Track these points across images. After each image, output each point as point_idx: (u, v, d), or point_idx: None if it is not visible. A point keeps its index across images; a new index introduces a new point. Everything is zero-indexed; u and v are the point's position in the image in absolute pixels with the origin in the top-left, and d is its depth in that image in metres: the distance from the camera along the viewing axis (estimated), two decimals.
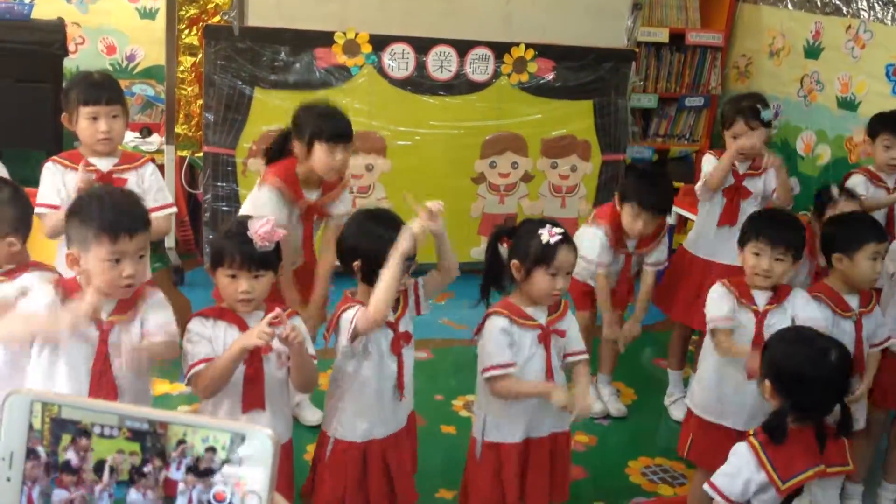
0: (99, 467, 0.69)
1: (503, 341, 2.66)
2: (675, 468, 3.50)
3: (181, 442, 0.69)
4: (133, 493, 0.68)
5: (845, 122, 5.12)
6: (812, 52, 5.39)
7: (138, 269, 2.24)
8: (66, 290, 2.25)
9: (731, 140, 3.69)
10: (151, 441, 0.69)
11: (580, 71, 5.13)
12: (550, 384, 2.64)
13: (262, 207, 3.09)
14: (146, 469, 0.68)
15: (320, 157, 3.13)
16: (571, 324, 2.81)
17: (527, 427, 2.73)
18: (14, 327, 2.21)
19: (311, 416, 3.49)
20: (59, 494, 0.68)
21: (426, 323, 4.58)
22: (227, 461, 0.68)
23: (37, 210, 2.90)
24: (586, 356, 2.85)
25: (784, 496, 2.37)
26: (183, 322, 2.44)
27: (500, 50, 4.97)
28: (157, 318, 2.31)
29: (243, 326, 2.40)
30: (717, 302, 3.04)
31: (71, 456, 0.69)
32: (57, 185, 2.91)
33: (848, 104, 5.09)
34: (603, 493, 3.32)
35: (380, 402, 2.59)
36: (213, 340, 2.38)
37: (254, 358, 2.38)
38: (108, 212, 2.20)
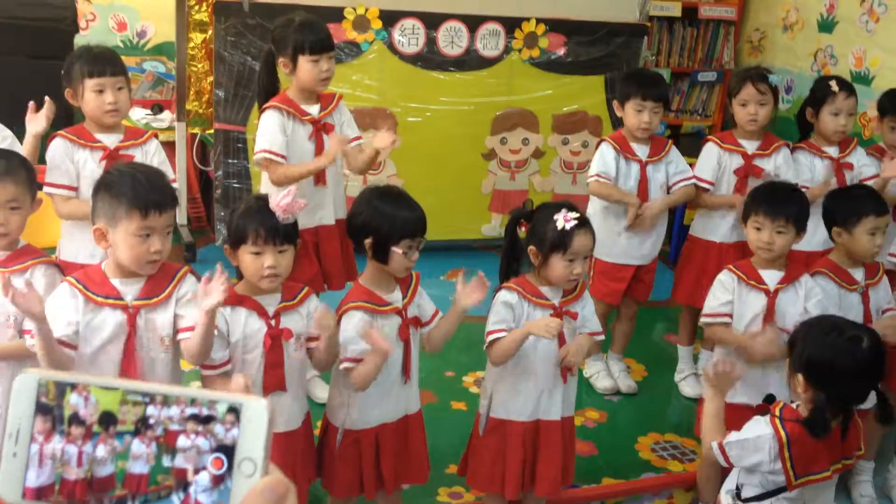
0: (104, 419, 0.70)
1: (498, 311, 2.66)
2: (686, 444, 3.51)
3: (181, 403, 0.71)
4: (136, 444, 0.70)
5: (859, 96, 5.07)
6: (826, 25, 5.33)
7: (165, 245, 2.26)
8: (88, 278, 2.27)
9: (739, 108, 3.68)
10: (154, 398, 0.71)
11: (592, 46, 5.10)
12: (533, 323, 2.60)
13: (269, 127, 3.12)
14: (150, 420, 0.70)
15: (306, 70, 3.14)
16: (587, 304, 2.80)
17: (536, 408, 2.73)
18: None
19: (322, 392, 3.51)
20: (68, 450, 0.70)
21: (438, 300, 4.57)
22: (224, 428, 0.69)
23: (47, 190, 2.91)
24: (601, 337, 2.85)
25: (792, 490, 2.38)
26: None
27: (510, 25, 4.94)
28: (192, 308, 2.29)
29: (262, 313, 2.41)
30: (715, 292, 3.06)
31: (77, 409, 0.70)
32: (65, 164, 2.92)
33: (862, 78, 5.05)
34: (613, 469, 3.34)
35: (386, 388, 2.58)
36: (230, 333, 2.39)
37: (275, 343, 2.40)
38: (139, 187, 2.22)
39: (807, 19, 5.47)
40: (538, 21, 4.96)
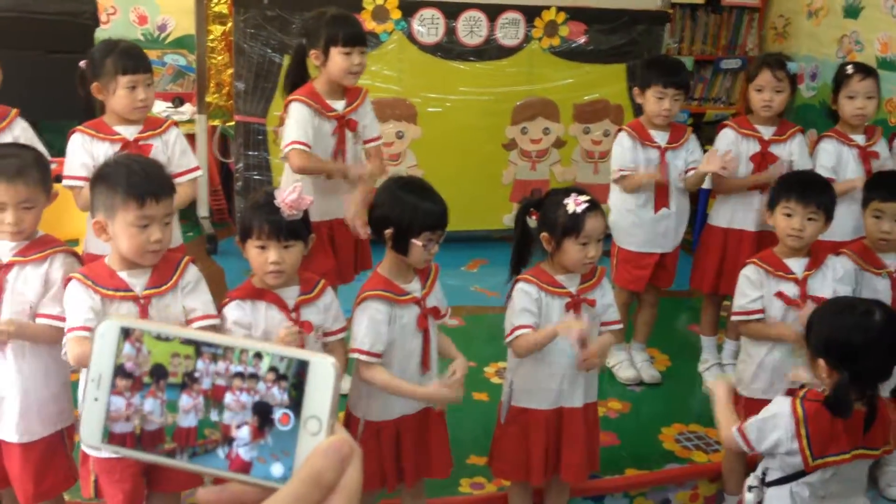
0: (155, 371, 0.70)
1: (524, 305, 2.65)
2: (710, 434, 3.48)
3: (240, 353, 0.70)
4: (185, 398, 0.70)
5: (885, 82, 4.99)
6: (851, 11, 5.26)
7: (165, 234, 2.26)
8: (94, 273, 2.28)
9: (755, 93, 3.65)
10: (205, 346, 0.70)
11: (613, 34, 5.06)
12: (561, 324, 2.61)
13: (297, 120, 3.14)
14: (197, 374, 0.69)
15: (338, 62, 3.15)
16: (606, 292, 2.79)
17: (558, 396, 2.72)
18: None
19: (345, 383, 3.51)
20: (115, 402, 0.70)
21: (459, 290, 4.60)
22: (291, 384, 0.69)
23: (66, 183, 2.93)
24: (619, 326, 2.83)
25: (810, 471, 2.36)
26: (217, 291, 2.46)
27: (530, 13, 4.91)
28: (199, 297, 2.34)
29: (283, 306, 2.41)
30: (742, 289, 3.03)
31: (128, 361, 0.71)
32: (84, 157, 2.93)
33: (888, 64, 4.97)
34: (636, 459, 3.31)
35: (405, 379, 2.56)
36: (252, 326, 2.39)
37: (299, 336, 2.40)
38: (134, 177, 2.22)
39: (831, 5, 5.39)
40: (558, 9, 4.93)
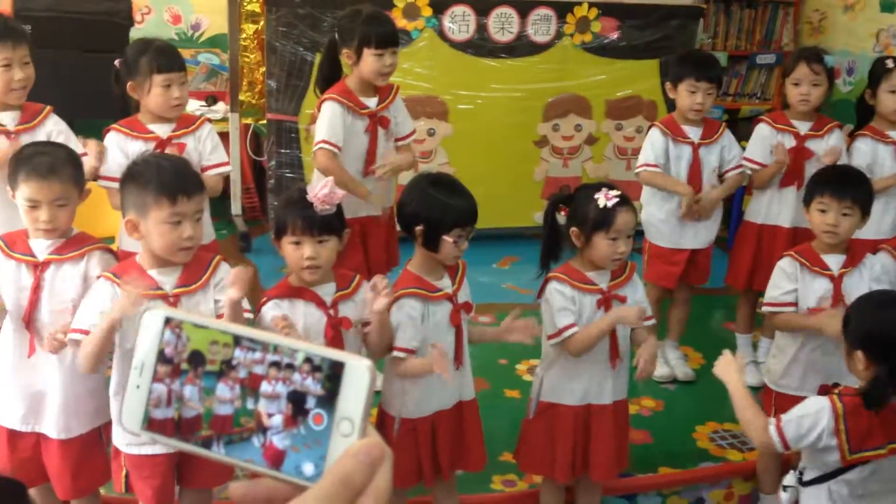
0: (193, 358, 0.71)
1: (562, 304, 2.64)
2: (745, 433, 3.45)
3: (276, 348, 0.70)
4: (221, 386, 0.70)
5: None
6: (889, 5, 5.18)
7: (197, 231, 2.28)
8: (124, 271, 2.30)
9: (792, 87, 3.62)
10: (244, 337, 0.71)
11: (646, 29, 5.02)
12: (613, 313, 2.61)
13: (330, 119, 3.16)
14: (234, 362, 0.70)
15: (370, 63, 3.16)
16: (638, 288, 2.77)
17: (586, 392, 2.71)
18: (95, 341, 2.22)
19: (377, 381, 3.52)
20: (155, 389, 0.72)
21: (490, 287, 4.59)
22: (325, 376, 0.69)
23: (102, 182, 2.96)
24: (652, 321, 2.81)
25: (847, 465, 2.33)
26: (251, 289, 2.47)
27: (562, 9, 4.89)
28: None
29: (320, 303, 2.42)
30: (776, 281, 3.01)
31: (168, 347, 0.72)
32: (119, 156, 2.95)
33: None
34: (669, 458, 3.29)
35: (440, 376, 2.56)
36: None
37: (336, 333, 2.41)
38: (165, 174, 2.24)
39: None
40: (590, 5, 4.90)
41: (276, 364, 0.69)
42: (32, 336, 2.41)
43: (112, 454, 2.47)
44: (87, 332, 2.22)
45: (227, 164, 3.17)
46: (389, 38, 3.19)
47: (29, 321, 2.40)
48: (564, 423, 2.72)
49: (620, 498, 3.12)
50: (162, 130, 3.01)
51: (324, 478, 0.66)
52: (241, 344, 0.70)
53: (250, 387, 0.70)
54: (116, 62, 3.05)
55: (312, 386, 0.69)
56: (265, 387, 0.69)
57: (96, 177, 2.95)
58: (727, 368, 2.53)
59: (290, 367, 0.69)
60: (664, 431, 3.47)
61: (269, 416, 0.69)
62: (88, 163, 2.82)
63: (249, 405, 0.70)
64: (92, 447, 2.50)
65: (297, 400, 0.69)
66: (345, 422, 0.68)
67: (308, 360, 0.69)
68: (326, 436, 0.68)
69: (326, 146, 3.16)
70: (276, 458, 0.69)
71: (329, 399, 0.68)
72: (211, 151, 3.08)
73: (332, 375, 0.69)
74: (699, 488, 3.23)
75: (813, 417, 2.35)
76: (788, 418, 2.39)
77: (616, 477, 2.87)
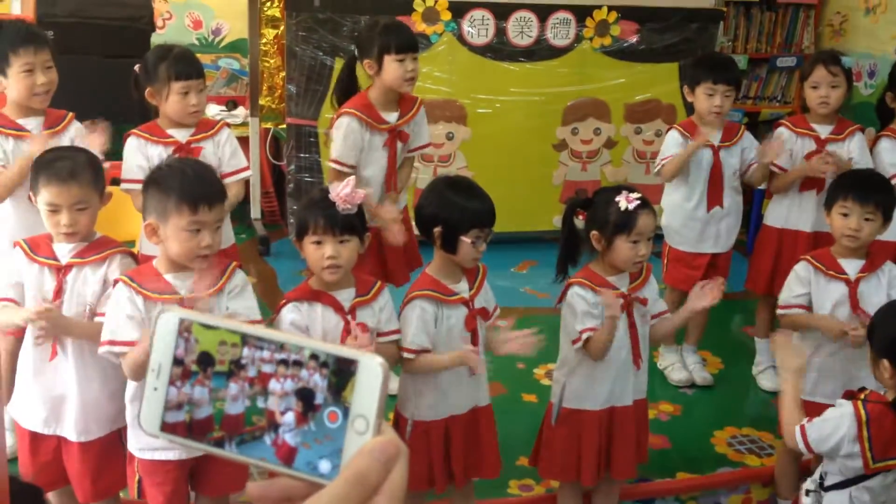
0: (202, 359, 0.72)
1: (584, 308, 2.64)
2: (764, 438, 3.43)
3: (283, 346, 0.71)
4: (232, 386, 0.71)
5: None
6: None
7: (216, 239, 2.30)
8: (141, 274, 2.32)
9: (811, 90, 3.59)
10: (252, 336, 0.72)
11: (665, 32, 5.01)
12: (609, 309, 2.59)
13: (345, 137, 3.17)
14: (243, 361, 0.71)
15: (392, 70, 3.16)
16: (653, 287, 2.79)
17: (610, 395, 2.71)
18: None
19: (393, 384, 3.52)
20: (171, 391, 0.72)
21: (508, 291, 4.59)
22: (332, 371, 0.69)
23: (124, 186, 2.98)
24: (669, 315, 2.84)
25: (870, 473, 2.31)
26: (270, 293, 2.49)
27: (581, 13, 4.88)
28: (244, 302, 2.37)
29: (339, 308, 2.42)
30: (790, 284, 3.00)
31: (178, 349, 0.73)
32: (140, 160, 2.98)
33: None
34: (687, 463, 3.27)
35: (455, 379, 2.57)
36: (309, 328, 2.40)
37: (348, 338, 2.41)
38: (188, 182, 2.25)
39: (890, 2, 5.27)
40: (610, 8, 4.90)
41: (283, 362, 0.70)
42: (55, 340, 2.44)
43: (127, 459, 2.49)
44: (127, 343, 2.22)
45: (247, 168, 3.19)
46: (409, 44, 3.20)
47: None
48: (590, 428, 2.72)
49: (638, 502, 3.11)
50: (181, 135, 3.04)
51: (339, 476, 0.66)
52: (249, 343, 0.71)
53: (260, 385, 0.70)
54: (136, 67, 3.08)
55: (321, 382, 0.69)
56: (274, 385, 0.70)
57: (117, 180, 2.98)
58: (786, 361, 2.51)
59: (298, 363, 0.70)
60: (682, 436, 3.46)
61: (280, 413, 0.70)
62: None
63: (260, 404, 0.70)
64: (112, 450, 2.52)
65: (306, 397, 0.69)
66: (359, 419, 0.68)
67: (314, 356, 0.70)
68: (342, 433, 0.68)
69: (337, 167, 3.19)
70: (289, 456, 0.69)
71: (338, 395, 0.69)
72: (231, 157, 3.10)
73: (339, 371, 0.69)
74: (717, 493, 3.21)
75: (834, 422, 2.34)
76: (811, 426, 2.39)
77: (636, 473, 2.87)
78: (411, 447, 2.57)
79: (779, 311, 3.05)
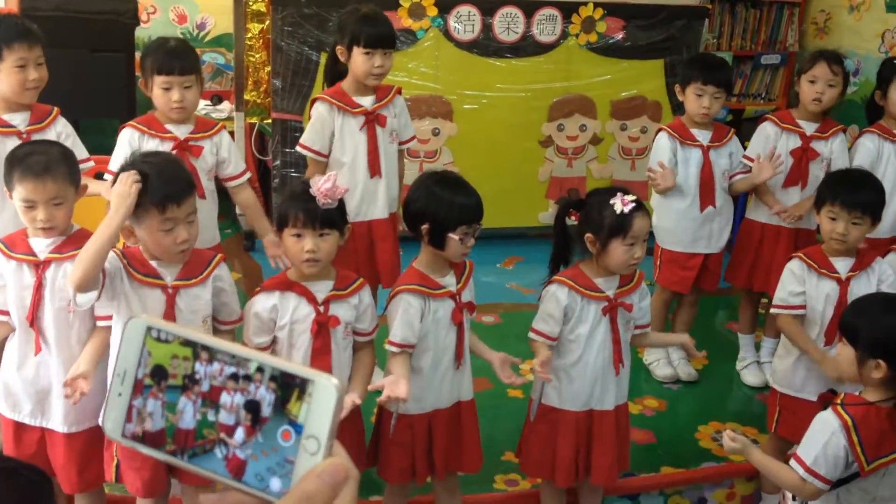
0: (156, 372, 0.72)
1: (549, 311, 2.65)
2: (748, 433, 3.45)
3: (233, 358, 0.71)
4: (183, 400, 0.71)
5: None
6: (894, 5, 5.17)
7: (191, 232, 2.31)
8: (131, 258, 2.35)
9: (807, 84, 3.59)
10: (203, 349, 0.72)
11: (651, 29, 5.02)
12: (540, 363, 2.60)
13: (312, 122, 3.17)
14: (196, 375, 0.71)
15: (359, 62, 3.13)
16: (644, 296, 2.76)
17: (589, 398, 2.70)
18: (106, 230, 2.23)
19: (377, 378, 3.51)
20: (133, 400, 0.73)
21: (494, 287, 4.59)
22: (278, 384, 0.69)
23: (108, 177, 2.95)
24: (649, 330, 2.83)
25: (866, 475, 2.31)
26: (254, 287, 2.50)
27: (567, 10, 4.89)
28: (227, 298, 2.45)
29: (311, 299, 2.44)
30: (785, 282, 3.00)
31: (141, 361, 0.73)
32: (128, 153, 2.95)
33: None
34: (672, 457, 3.29)
35: (439, 373, 2.58)
36: (278, 317, 2.43)
37: (323, 331, 2.43)
38: (153, 184, 2.25)
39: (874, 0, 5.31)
40: (596, 5, 4.90)
41: (233, 376, 0.70)
42: (38, 335, 2.43)
43: (105, 442, 2.49)
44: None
45: (248, 170, 3.21)
46: (380, 39, 3.11)
47: (33, 320, 2.41)
48: (566, 428, 2.71)
49: (623, 498, 3.13)
50: (179, 131, 3.00)
51: (287, 496, 0.67)
52: (200, 356, 0.71)
53: (210, 399, 0.71)
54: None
55: (266, 394, 0.69)
56: (224, 398, 0.70)
57: (101, 174, 2.96)
58: (738, 449, 2.46)
59: (247, 377, 0.70)
60: (667, 431, 3.47)
61: (230, 427, 0.70)
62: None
63: (211, 417, 0.71)
64: (97, 441, 2.52)
65: (254, 410, 0.70)
66: (311, 440, 0.68)
67: (260, 369, 0.70)
68: (294, 453, 0.69)
69: (301, 149, 3.21)
70: (238, 469, 0.70)
71: (283, 409, 0.69)
72: (233, 162, 3.09)
73: (283, 381, 0.69)
74: (702, 488, 3.23)
75: (834, 444, 2.29)
76: (806, 453, 2.32)
77: (616, 481, 2.87)
78: (395, 440, 2.58)
79: (775, 311, 3.05)
